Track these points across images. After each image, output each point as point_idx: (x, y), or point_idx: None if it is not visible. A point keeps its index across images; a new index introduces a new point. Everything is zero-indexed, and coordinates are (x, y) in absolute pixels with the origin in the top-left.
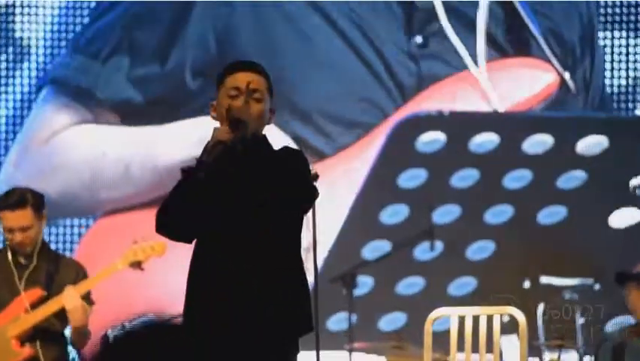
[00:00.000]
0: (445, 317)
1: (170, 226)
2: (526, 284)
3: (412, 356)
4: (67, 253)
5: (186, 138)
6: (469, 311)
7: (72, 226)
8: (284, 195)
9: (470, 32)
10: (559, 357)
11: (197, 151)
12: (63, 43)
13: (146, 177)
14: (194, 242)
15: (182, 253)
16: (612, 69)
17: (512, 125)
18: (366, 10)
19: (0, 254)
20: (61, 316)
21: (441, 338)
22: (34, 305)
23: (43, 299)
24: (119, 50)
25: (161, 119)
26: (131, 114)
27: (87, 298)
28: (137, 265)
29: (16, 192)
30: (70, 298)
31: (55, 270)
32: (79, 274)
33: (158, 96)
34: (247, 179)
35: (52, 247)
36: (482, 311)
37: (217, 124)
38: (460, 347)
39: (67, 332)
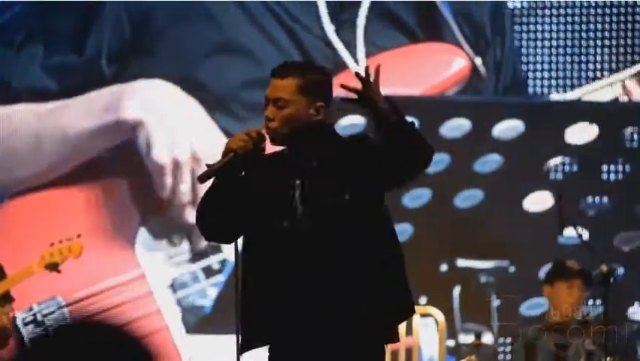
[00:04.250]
0: None
1: (207, 230)
2: (444, 267)
3: None
4: None
5: (92, 107)
6: None
7: None
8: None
9: (385, 23)
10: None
11: (103, 119)
12: None
13: (57, 149)
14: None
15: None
16: (528, 54)
17: (430, 109)
18: None
19: None
20: None
21: None
22: None
23: None
24: (33, 38)
25: None
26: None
27: (5, 297)
28: (53, 266)
29: None
30: None
31: None
32: None
33: (75, 84)
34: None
35: None
36: None
37: None
38: None
39: None
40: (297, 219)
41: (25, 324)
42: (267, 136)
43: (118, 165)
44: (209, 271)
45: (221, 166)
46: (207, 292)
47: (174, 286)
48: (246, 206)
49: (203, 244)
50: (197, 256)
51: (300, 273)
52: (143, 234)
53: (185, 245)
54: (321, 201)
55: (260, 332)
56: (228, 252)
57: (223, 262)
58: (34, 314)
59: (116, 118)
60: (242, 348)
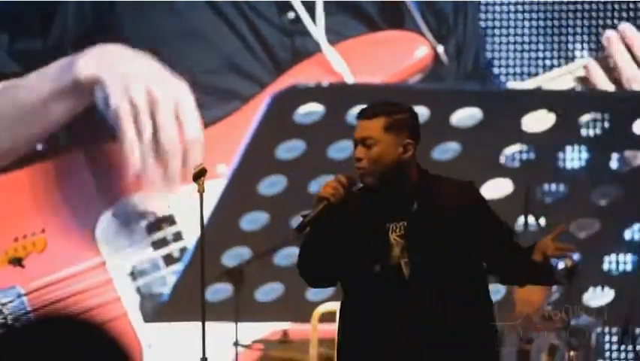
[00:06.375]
0: (332, 312)
1: (310, 278)
2: None
3: (297, 350)
4: None
5: (46, 73)
6: None
7: None
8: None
9: (346, 11)
10: None
11: (58, 81)
12: None
13: (15, 126)
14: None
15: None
16: (488, 41)
17: (389, 97)
18: None
19: None
20: None
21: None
22: None
23: None
24: None
25: None
26: None
27: None
28: (17, 261)
29: None
30: None
31: None
32: None
33: (41, 69)
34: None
35: None
36: None
37: None
38: None
39: None
40: (393, 264)
41: None
42: (356, 179)
43: (83, 151)
44: (169, 259)
45: (316, 215)
46: (167, 280)
47: (134, 274)
48: (343, 250)
49: (164, 231)
50: (157, 243)
51: (399, 320)
52: (103, 221)
53: (145, 233)
54: (423, 247)
55: None
56: (189, 240)
57: (183, 250)
58: None
59: (71, 78)
60: None
